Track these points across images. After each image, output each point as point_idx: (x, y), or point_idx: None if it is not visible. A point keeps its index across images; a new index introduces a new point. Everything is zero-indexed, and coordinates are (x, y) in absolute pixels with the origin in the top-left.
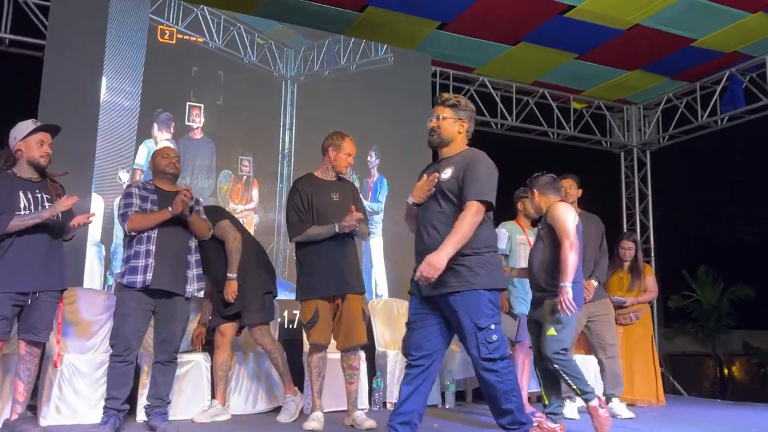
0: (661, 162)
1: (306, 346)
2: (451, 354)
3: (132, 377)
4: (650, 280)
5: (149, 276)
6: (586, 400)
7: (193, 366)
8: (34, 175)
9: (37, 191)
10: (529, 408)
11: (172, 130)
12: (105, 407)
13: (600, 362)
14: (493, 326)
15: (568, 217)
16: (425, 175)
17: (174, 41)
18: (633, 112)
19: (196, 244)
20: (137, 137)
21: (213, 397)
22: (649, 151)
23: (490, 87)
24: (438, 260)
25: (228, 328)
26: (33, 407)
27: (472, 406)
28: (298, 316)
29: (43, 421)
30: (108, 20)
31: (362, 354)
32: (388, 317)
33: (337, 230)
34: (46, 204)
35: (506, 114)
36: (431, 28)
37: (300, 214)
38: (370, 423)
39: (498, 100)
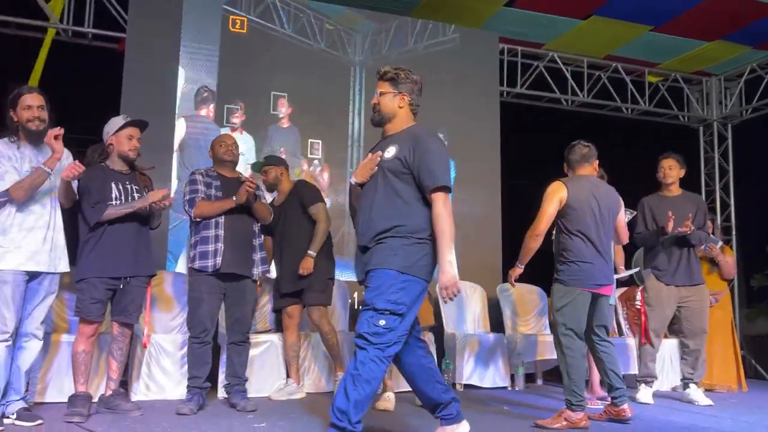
0: (743, 136)
1: None
2: (520, 337)
3: (210, 357)
4: (726, 261)
5: (219, 260)
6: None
7: (269, 346)
8: (124, 167)
9: (127, 182)
10: (600, 392)
11: (211, 110)
12: (188, 386)
13: (685, 347)
14: (387, 312)
15: (546, 198)
16: (370, 154)
17: (245, 30)
18: (713, 84)
19: (258, 229)
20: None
21: (288, 376)
22: (731, 124)
23: (560, 62)
24: (445, 276)
25: (295, 310)
26: (125, 383)
27: (543, 389)
28: None
29: (134, 397)
30: (183, 11)
31: (431, 336)
32: (456, 299)
33: None
34: (136, 195)
35: (577, 90)
36: (498, 5)
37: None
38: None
39: (568, 75)
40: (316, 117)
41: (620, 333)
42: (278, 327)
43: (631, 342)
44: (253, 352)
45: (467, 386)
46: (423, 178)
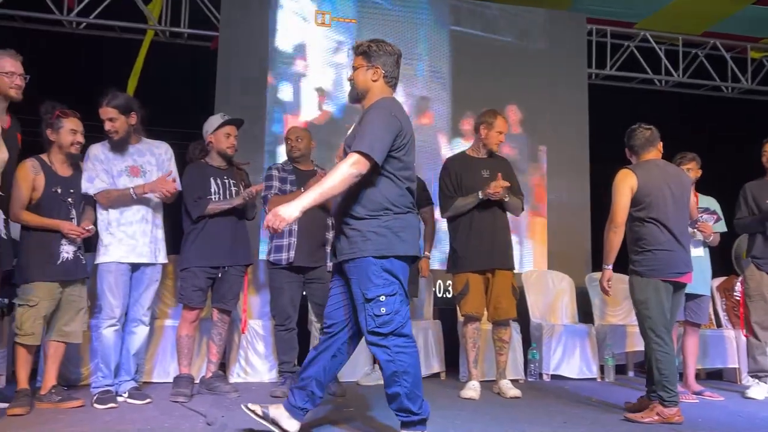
0: None
1: (460, 317)
2: (610, 328)
3: (296, 342)
4: None
5: (292, 254)
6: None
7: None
8: (222, 163)
9: (225, 177)
10: (696, 386)
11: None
12: (280, 370)
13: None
14: (383, 297)
15: (617, 188)
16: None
17: (329, 25)
18: None
19: (332, 221)
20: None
21: (375, 362)
22: None
23: (652, 41)
24: (286, 210)
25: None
26: (223, 366)
27: (634, 381)
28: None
29: (232, 379)
30: (272, 8)
31: (516, 326)
32: (542, 289)
33: (480, 197)
34: (233, 189)
35: (671, 69)
36: None
37: (447, 191)
38: (515, 392)
39: (662, 55)
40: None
41: (718, 324)
42: None
43: (730, 334)
44: None
45: (554, 377)
46: (355, 141)
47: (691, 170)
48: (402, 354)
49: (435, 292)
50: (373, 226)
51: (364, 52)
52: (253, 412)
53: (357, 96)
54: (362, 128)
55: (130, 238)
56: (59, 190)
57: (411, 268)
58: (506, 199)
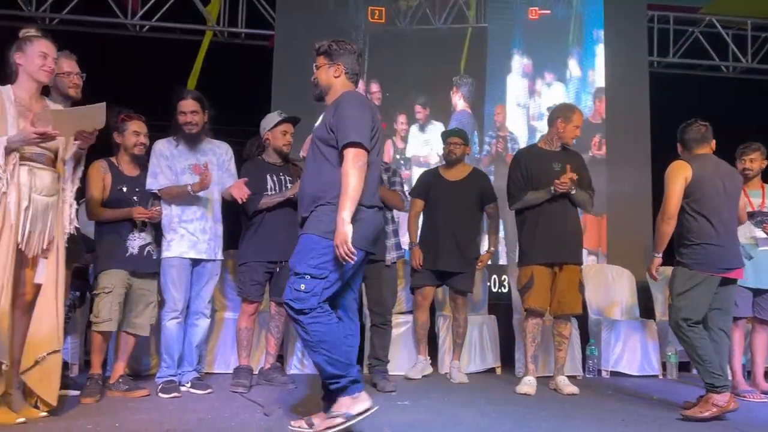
0: None
1: (522, 311)
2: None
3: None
4: None
5: None
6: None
7: (410, 327)
8: (278, 160)
9: (281, 174)
10: (765, 385)
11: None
12: None
13: None
14: (308, 276)
15: (671, 178)
16: None
17: (383, 20)
18: None
19: (393, 215)
20: None
21: (419, 354)
22: None
23: (719, 27)
24: (339, 231)
25: (430, 291)
26: (281, 358)
27: (697, 378)
28: (507, 280)
29: (289, 371)
30: (327, 4)
31: (574, 322)
32: (601, 283)
33: (553, 192)
34: (289, 185)
35: (739, 55)
36: None
37: (517, 183)
38: (572, 389)
39: (729, 40)
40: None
41: None
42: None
43: None
44: (395, 332)
45: (614, 373)
46: (337, 137)
47: (755, 161)
48: (315, 325)
49: (490, 287)
50: (329, 210)
51: (325, 51)
52: (299, 427)
53: (320, 93)
54: (338, 120)
55: (192, 235)
56: (125, 189)
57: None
58: (573, 192)
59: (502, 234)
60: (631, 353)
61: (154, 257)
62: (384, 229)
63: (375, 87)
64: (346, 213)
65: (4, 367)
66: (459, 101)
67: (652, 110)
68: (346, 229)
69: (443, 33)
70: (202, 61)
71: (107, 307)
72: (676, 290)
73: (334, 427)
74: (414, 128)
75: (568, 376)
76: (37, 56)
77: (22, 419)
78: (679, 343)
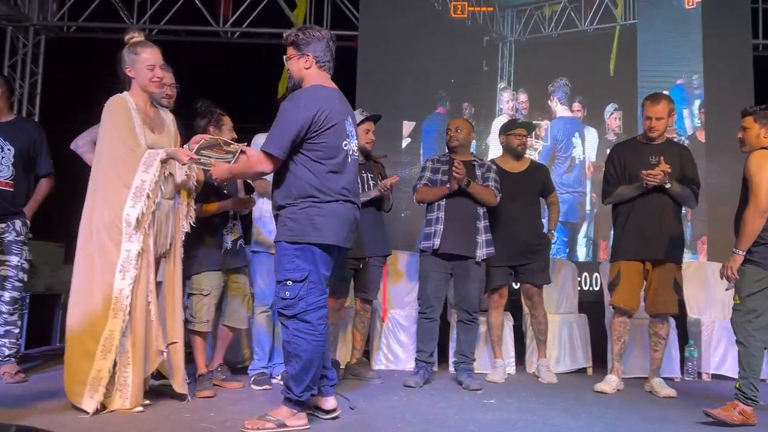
0: None
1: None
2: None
3: (437, 333)
4: None
5: (437, 241)
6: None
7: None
8: (360, 158)
9: (364, 171)
10: None
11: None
12: (416, 359)
13: None
14: (289, 282)
15: (759, 168)
16: None
17: (466, 15)
18: None
19: (484, 211)
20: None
21: (496, 356)
22: None
23: None
24: (218, 170)
25: (506, 290)
26: (367, 353)
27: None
28: (597, 278)
29: (375, 366)
30: (409, 2)
31: (672, 322)
32: (701, 282)
33: (645, 186)
34: (371, 183)
35: None
36: None
37: (609, 178)
38: (669, 391)
39: None
40: None
41: None
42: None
43: None
44: (482, 329)
45: (715, 376)
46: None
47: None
48: (298, 338)
49: (580, 284)
50: (289, 213)
51: (293, 42)
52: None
53: (293, 86)
54: (274, 124)
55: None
56: (215, 183)
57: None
58: (667, 186)
59: (584, 230)
60: (735, 355)
61: (244, 251)
62: (475, 224)
63: (523, 97)
64: (233, 170)
65: (162, 356)
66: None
67: (757, 96)
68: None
69: (590, 35)
70: None
71: (205, 308)
72: (746, 290)
73: (263, 429)
74: None
75: (664, 378)
76: (145, 69)
77: (139, 408)
78: (735, 344)
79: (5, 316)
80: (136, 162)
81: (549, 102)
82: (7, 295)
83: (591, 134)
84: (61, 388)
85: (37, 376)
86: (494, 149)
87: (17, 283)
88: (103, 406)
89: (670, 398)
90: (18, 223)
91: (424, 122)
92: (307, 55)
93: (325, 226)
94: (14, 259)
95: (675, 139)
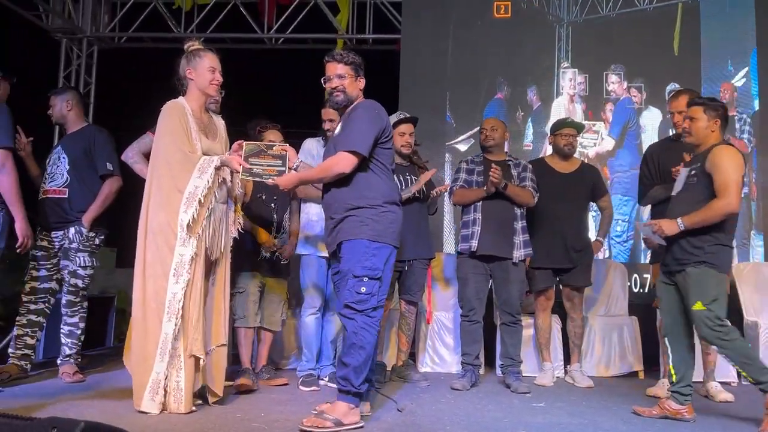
0: None
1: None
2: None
3: (480, 335)
4: None
5: (475, 243)
6: (763, 391)
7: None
8: (400, 160)
9: (407, 174)
10: None
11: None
12: (462, 362)
13: None
14: (366, 278)
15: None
16: None
17: (509, 14)
18: None
19: (522, 212)
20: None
21: (544, 359)
22: None
23: None
24: (285, 179)
25: (552, 292)
26: (413, 355)
27: None
28: (648, 279)
29: (421, 368)
30: (451, 3)
31: None
32: (757, 283)
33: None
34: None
35: None
36: None
37: (645, 179)
38: (726, 396)
39: None
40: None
41: None
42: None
43: None
44: (526, 332)
45: None
46: (344, 140)
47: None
48: (365, 331)
49: (630, 286)
50: (370, 214)
51: (353, 63)
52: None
53: (344, 103)
54: (348, 128)
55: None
56: (264, 197)
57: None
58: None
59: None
60: None
61: (284, 262)
62: (512, 225)
63: (580, 78)
64: (301, 176)
65: (202, 361)
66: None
67: None
68: (289, 180)
69: (651, 14)
70: None
71: (241, 306)
72: (711, 295)
73: (322, 428)
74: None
75: (720, 382)
76: (207, 71)
77: (192, 408)
78: (717, 352)
79: (66, 317)
80: (191, 167)
81: (609, 84)
82: (63, 299)
83: (653, 114)
84: (117, 389)
85: (92, 377)
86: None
87: (71, 288)
88: (162, 408)
89: (727, 402)
90: (72, 230)
91: (484, 110)
92: (362, 78)
93: (396, 230)
94: (69, 265)
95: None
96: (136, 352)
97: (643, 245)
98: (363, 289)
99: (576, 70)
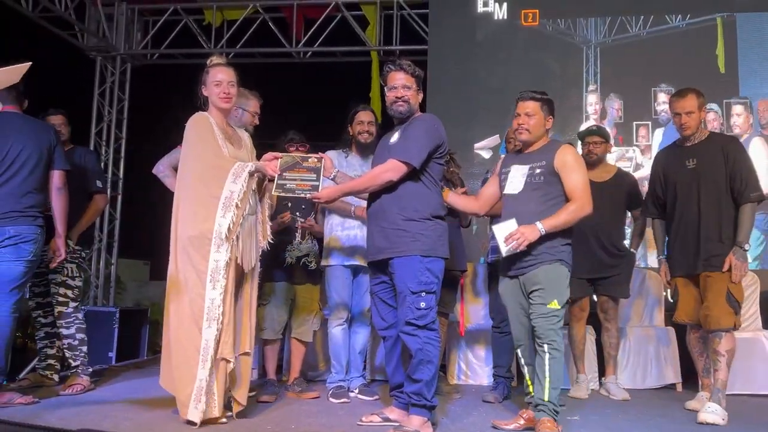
0: None
1: None
2: None
3: (512, 347)
4: None
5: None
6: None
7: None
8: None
9: (442, 182)
10: None
11: None
12: (493, 374)
13: None
14: (424, 293)
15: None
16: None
17: (537, 22)
18: None
19: None
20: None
21: (579, 371)
22: None
23: None
24: (327, 193)
25: (587, 303)
26: (444, 367)
27: None
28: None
29: (452, 380)
30: (478, 13)
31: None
32: None
33: None
34: None
35: None
36: None
37: (650, 188)
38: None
39: None
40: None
41: None
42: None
43: None
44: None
45: None
46: (399, 148)
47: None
48: (429, 345)
49: (666, 297)
50: (421, 228)
51: (418, 75)
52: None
53: (407, 113)
54: (404, 137)
55: (352, 242)
56: (289, 204)
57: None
58: None
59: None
60: None
61: (311, 268)
62: None
63: (617, 104)
64: (343, 188)
65: (231, 365)
66: None
67: None
68: (330, 193)
69: (686, 32)
70: (378, 80)
71: (267, 316)
72: (564, 294)
73: None
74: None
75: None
76: (213, 85)
77: (224, 420)
78: (546, 352)
79: (62, 330)
80: (224, 173)
81: (659, 104)
82: (55, 311)
83: None
84: (151, 399)
85: (126, 388)
86: None
87: (61, 298)
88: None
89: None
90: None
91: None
92: (421, 92)
93: (446, 242)
94: (56, 277)
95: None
96: (176, 363)
97: None
98: (422, 305)
99: (602, 95)
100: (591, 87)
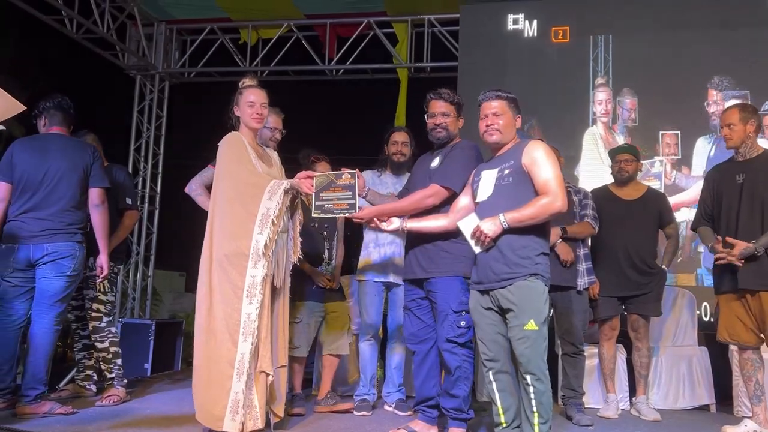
0: None
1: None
2: None
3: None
4: None
5: None
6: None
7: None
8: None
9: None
10: None
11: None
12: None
13: None
14: (464, 313)
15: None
16: None
17: (567, 39)
18: None
19: (583, 239)
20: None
21: (608, 391)
22: None
23: None
24: (366, 213)
25: (617, 321)
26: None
27: None
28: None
29: (480, 398)
30: (508, 30)
31: None
32: None
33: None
34: None
35: None
36: None
37: (702, 204)
38: None
39: None
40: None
41: None
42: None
43: None
44: (590, 362)
45: None
46: (440, 174)
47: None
48: (467, 362)
49: (700, 315)
50: (461, 251)
51: (458, 103)
52: None
53: (445, 140)
54: (445, 163)
55: (384, 259)
56: (316, 225)
57: None
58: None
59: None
60: None
61: (336, 287)
62: (575, 253)
63: (630, 102)
64: (394, 206)
65: (271, 377)
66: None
67: None
68: (370, 211)
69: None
70: (405, 98)
71: (297, 335)
72: (543, 312)
73: None
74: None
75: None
76: (246, 106)
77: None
78: (530, 384)
79: (96, 344)
80: (260, 191)
81: (710, 105)
82: (90, 326)
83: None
84: (184, 412)
85: (160, 400)
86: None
87: (94, 314)
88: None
89: None
90: (91, 260)
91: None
92: (462, 119)
93: (469, 260)
94: (90, 293)
95: None
96: (204, 376)
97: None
98: (463, 323)
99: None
100: (628, 98)
